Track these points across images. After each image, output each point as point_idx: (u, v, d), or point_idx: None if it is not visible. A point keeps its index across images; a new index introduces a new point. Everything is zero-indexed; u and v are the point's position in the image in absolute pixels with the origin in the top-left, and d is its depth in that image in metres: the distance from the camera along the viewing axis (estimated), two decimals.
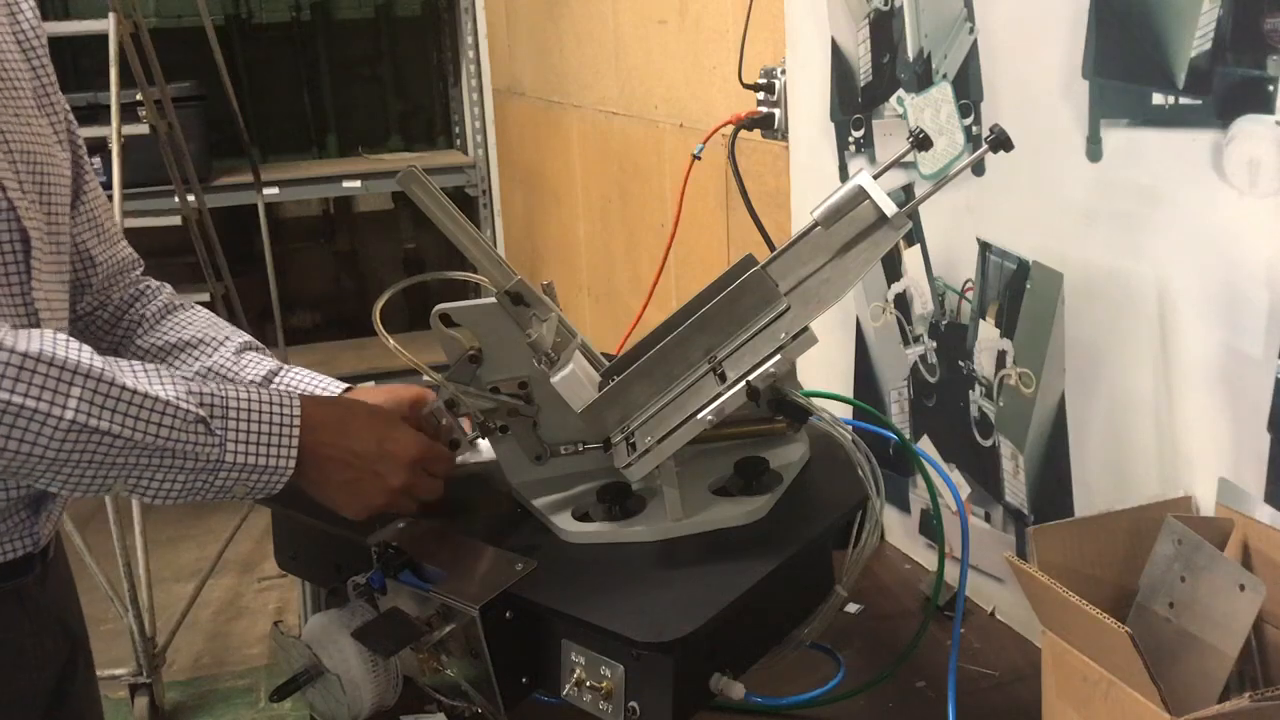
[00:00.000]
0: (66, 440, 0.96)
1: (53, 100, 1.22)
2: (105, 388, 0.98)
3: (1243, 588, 0.96)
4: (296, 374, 1.30)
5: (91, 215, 1.26)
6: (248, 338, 1.33)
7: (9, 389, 0.94)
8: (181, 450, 1.01)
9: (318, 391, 1.29)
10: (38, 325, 1.11)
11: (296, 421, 1.06)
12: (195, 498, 1.04)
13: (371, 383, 5.16)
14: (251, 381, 1.28)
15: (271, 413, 1.06)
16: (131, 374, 1.01)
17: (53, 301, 1.14)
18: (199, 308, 1.36)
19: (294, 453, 1.06)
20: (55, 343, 0.98)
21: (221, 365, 1.29)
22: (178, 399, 1.01)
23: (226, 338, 1.31)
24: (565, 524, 1.17)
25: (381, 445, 1.10)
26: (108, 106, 3.23)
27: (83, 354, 0.98)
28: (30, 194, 1.11)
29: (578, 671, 1.03)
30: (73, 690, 1.25)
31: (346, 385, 1.31)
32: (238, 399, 1.05)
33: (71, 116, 1.25)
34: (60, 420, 0.96)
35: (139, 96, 3.48)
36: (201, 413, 1.02)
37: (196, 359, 1.29)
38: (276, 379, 1.29)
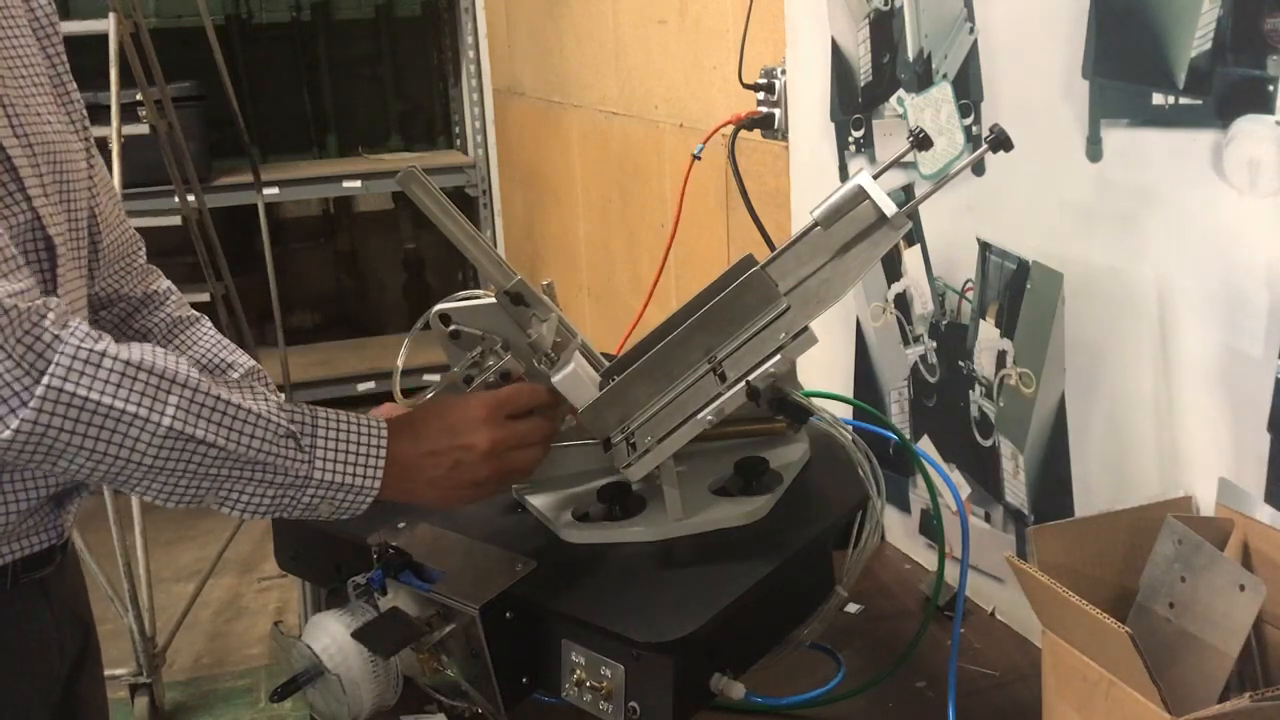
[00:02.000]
0: (164, 447, 0.98)
1: (69, 89, 1.22)
2: (202, 396, 1.00)
3: (1243, 588, 0.96)
4: None
5: (96, 202, 1.25)
6: (252, 363, 1.35)
7: (111, 394, 0.96)
8: (272, 464, 1.02)
9: None
10: None
11: (384, 442, 1.07)
12: (282, 513, 1.06)
13: (372, 383, 5.08)
14: None
15: (359, 433, 1.07)
16: (226, 386, 1.02)
17: (75, 303, 1.15)
18: (204, 321, 1.37)
19: (380, 473, 1.06)
20: (155, 353, 1.00)
21: None
22: (269, 413, 1.03)
23: (230, 364, 1.33)
24: (565, 524, 1.17)
25: (454, 438, 1.10)
26: (108, 106, 3.23)
27: (180, 364, 1.01)
28: (53, 197, 1.12)
29: (578, 671, 1.03)
30: (84, 678, 1.26)
31: None
32: (325, 419, 1.06)
33: (81, 99, 1.25)
34: (159, 426, 0.97)
35: (139, 96, 3.47)
36: (292, 428, 1.04)
37: None
38: None
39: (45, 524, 1.15)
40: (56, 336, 0.95)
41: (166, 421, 0.97)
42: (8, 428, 0.93)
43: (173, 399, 0.98)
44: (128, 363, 0.97)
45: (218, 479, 1.01)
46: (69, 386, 0.95)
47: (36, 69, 1.16)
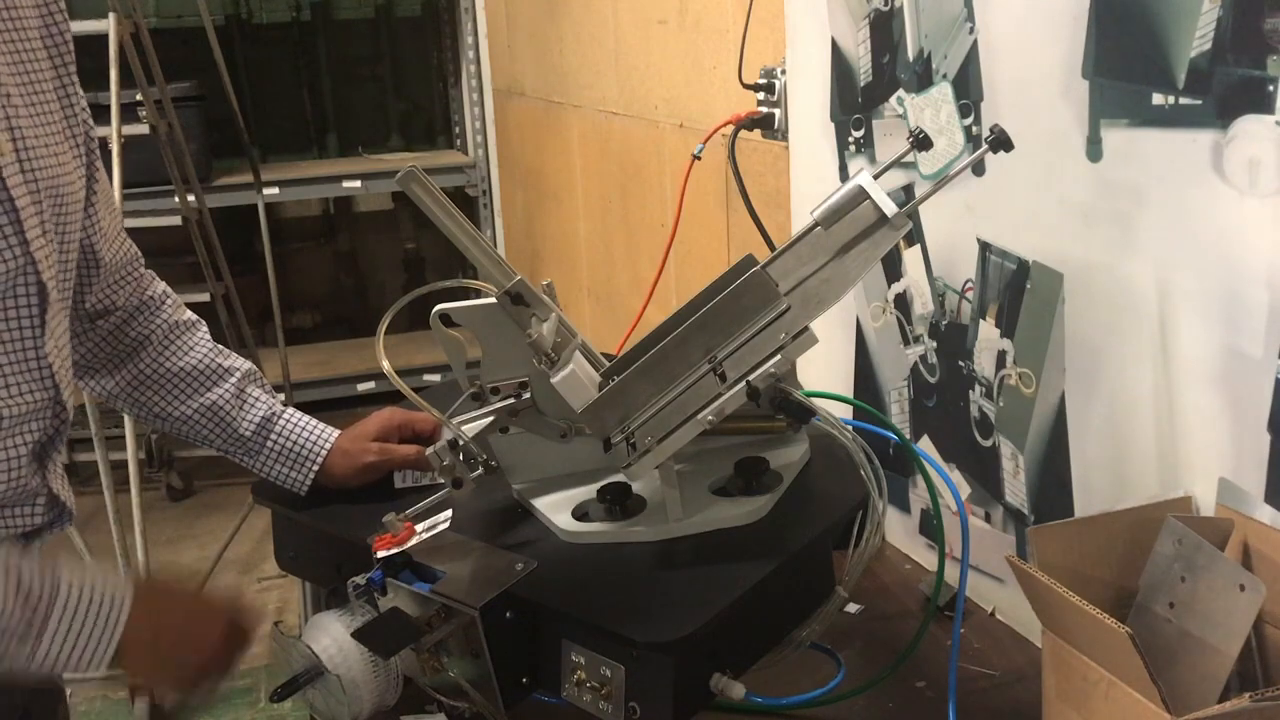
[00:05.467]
0: None
1: (73, 101, 1.18)
2: None
3: (1243, 588, 0.96)
4: (291, 419, 1.34)
5: (96, 217, 1.24)
6: (249, 366, 1.35)
7: None
8: None
9: (312, 438, 1.33)
10: (49, 374, 1.10)
11: (122, 622, 1.06)
12: None
13: (371, 383, 5.07)
14: (249, 422, 1.32)
15: (98, 611, 1.04)
16: None
17: (59, 338, 1.13)
18: (201, 325, 1.37)
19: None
20: None
21: (222, 402, 1.33)
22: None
23: (229, 369, 1.34)
24: (565, 524, 1.17)
25: (187, 625, 1.14)
26: (108, 106, 3.23)
27: None
28: (51, 238, 1.10)
29: (578, 671, 1.03)
30: (42, 698, 1.24)
31: (337, 431, 1.35)
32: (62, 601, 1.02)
33: (88, 111, 1.22)
34: None
35: (139, 96, 3.48)
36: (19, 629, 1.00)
37: (199, 390, 1.33)
38: (273, 423, 1.33)
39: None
40: None
41: None
42: None
43: None
44: None
45: None
46: None
47: (48, 94, 1.13)
